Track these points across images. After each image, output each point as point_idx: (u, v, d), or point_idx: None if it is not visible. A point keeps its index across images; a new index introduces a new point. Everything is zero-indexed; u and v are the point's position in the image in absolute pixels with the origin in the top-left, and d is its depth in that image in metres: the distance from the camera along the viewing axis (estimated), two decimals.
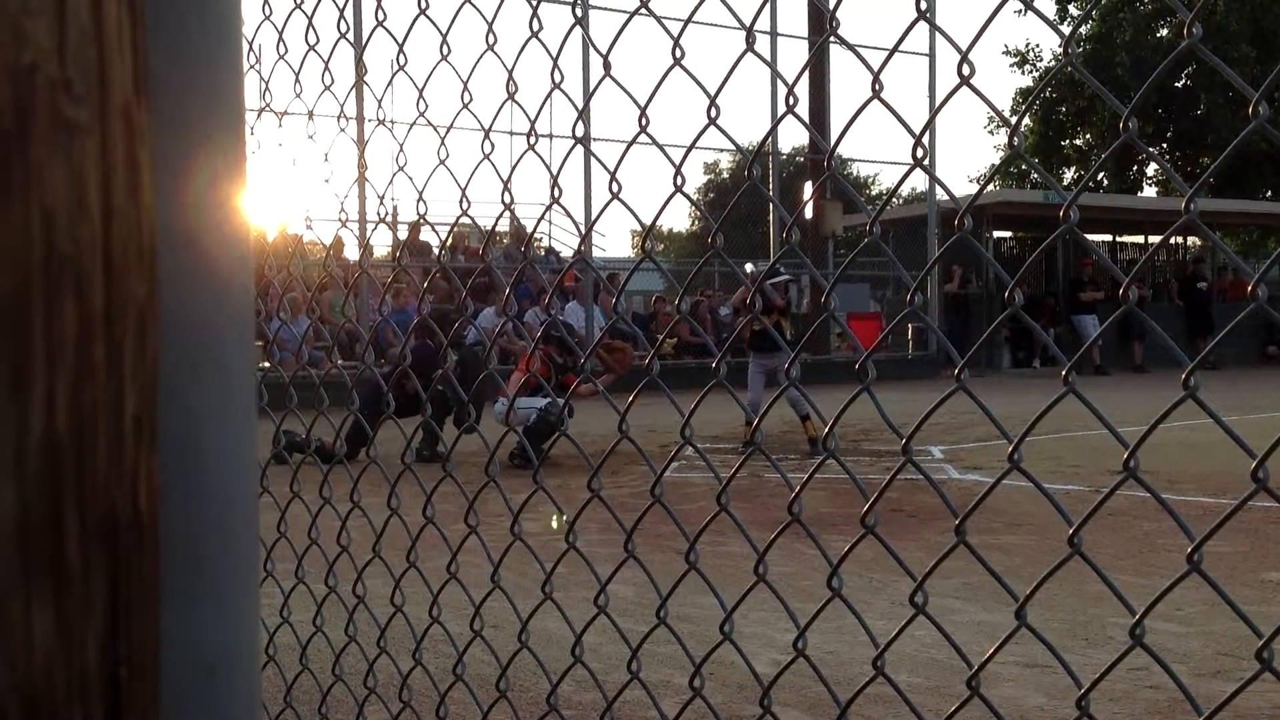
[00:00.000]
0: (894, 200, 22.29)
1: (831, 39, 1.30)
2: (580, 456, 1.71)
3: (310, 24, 2.05)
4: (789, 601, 1.46)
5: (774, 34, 17.68)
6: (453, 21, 1.82)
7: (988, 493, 1.30)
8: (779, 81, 1.79)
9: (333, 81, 2.05)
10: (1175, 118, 31.33)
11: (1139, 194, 31.41)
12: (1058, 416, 1.28)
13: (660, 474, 1.54)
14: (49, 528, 0.50)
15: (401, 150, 1.95)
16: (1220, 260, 22.84)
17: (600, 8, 15.51)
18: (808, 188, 18.98)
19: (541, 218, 14.29)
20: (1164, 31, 29.62)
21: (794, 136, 27.66)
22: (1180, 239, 23.03)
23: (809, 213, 17.58)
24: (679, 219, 41.85)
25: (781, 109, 1.38)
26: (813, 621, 1.42)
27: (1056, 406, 1.13)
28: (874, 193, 38.69)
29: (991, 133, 37.72)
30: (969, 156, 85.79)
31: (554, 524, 2.11)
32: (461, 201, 1.82)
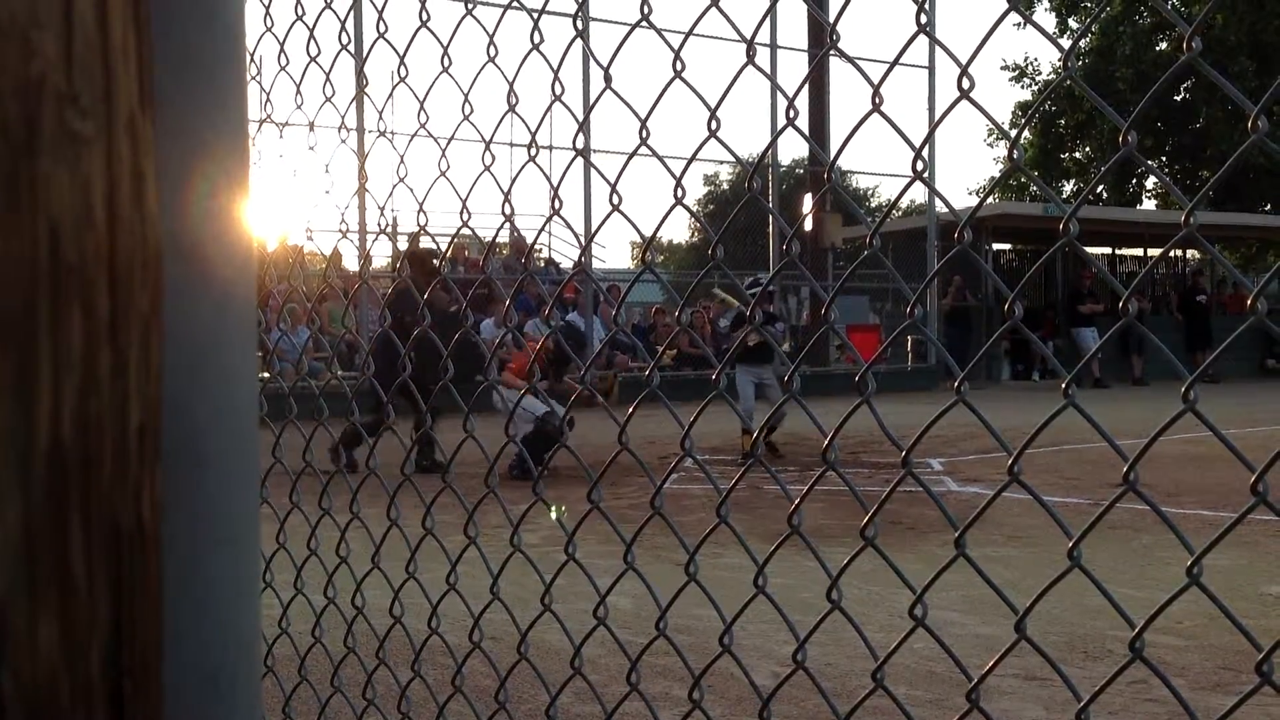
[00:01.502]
0: (894, 213, 22.32)
1: (831, 52, 1.31)
2: (579, 467, 1.71)
3: (311, 36, 2.05)
4: (788, 613, 1.46)
5: (774, 46, 17.70)
6: (454, 34, 1.82)
7: (987, 505, 1.30)
8: (779, 94, 1.79)
9: (334, 93, 2.05)
10: (1174, 131, 31.37)
11: (1138, 207, 31.43)
12: (1057, 429, 1.28)
13: (660, 485, 1.54)
14: (54, 537, 0.50)
15: (402, 162, 1.95)
16: (1220, 273, 22.86)
17: (601, 20, 15.55)
18: (807, 200, 18.99)
19: (542, 229, 14.31)
20: (1163, 45, 29.67)
21: (794, 148, 27.66)
22: (1180, 252, 23.04)
23: (809, 225, 17.59)
24: (679, 230, 41.94)
25: (782, 121, 1.38)
26: (812, 634, 1.42)
27: (1056, 419, 1.13)
28: (874, 205, 38.74)
29: (991, 145, 37.80)
30: (968, 169, 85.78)
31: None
32: (462, 213, 1.82)
